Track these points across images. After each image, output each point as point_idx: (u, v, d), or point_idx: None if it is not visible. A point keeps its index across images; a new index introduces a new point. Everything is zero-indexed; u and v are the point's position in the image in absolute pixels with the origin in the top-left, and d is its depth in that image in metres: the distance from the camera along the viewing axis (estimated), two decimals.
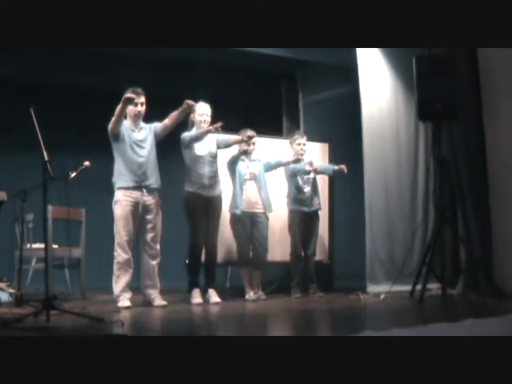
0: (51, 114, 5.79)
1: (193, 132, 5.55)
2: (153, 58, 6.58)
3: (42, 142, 3.97)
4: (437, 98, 5.57)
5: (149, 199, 5.20)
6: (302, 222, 6.23)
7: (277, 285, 6.69)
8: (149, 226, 5.21)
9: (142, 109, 5.22)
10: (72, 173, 5.04)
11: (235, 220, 5.88)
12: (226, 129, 6.27)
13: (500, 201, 5.95)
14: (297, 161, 6.15)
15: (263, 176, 6.05)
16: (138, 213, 5.15)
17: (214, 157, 5.62)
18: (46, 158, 3.95)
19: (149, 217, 5.21)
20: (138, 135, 5.23)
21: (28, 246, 5.76)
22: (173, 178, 5.65)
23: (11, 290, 5.16)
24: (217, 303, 5.41)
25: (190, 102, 5.20)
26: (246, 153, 5.91)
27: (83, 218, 6.00)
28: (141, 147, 5.20)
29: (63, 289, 6.01)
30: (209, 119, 5.57)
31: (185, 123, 5.62)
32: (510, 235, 5.82)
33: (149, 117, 5.32)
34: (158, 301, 5.17)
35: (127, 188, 5.12)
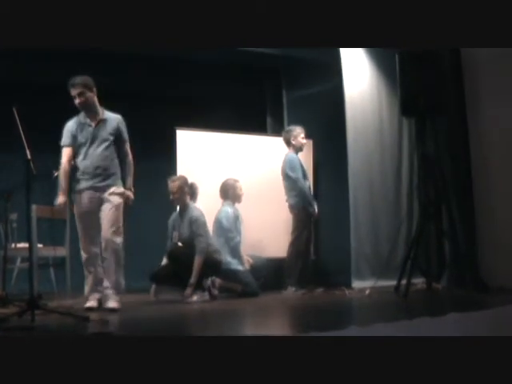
0: (36, 113, 5.76)
1: None
2: (136, 54, 6.54)
3: (24, 141, 3.95)
4: (420, 93, 5.56)
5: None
6: None
7: (262, 281, 6.69)
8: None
9: (80, 100, 4.73)
10: (55, 171, 5.00)
11: None
12: (211, 125, 6.29)
13: (484, 195, 5.99)
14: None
15: None
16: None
17: None
18: (29, 156, 3.93)
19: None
20: (95, 130, 4.80)
21: (13, 245, 5.72)
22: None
23: None
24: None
25: None
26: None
27: (67, 216, 5.95)
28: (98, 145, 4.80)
29: (49, 288, 5.97)
30: None
31: None
32: (495, 229, 5.86)
33: (135, 113, 5.23)
34: (112, 302, 4.66)
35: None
